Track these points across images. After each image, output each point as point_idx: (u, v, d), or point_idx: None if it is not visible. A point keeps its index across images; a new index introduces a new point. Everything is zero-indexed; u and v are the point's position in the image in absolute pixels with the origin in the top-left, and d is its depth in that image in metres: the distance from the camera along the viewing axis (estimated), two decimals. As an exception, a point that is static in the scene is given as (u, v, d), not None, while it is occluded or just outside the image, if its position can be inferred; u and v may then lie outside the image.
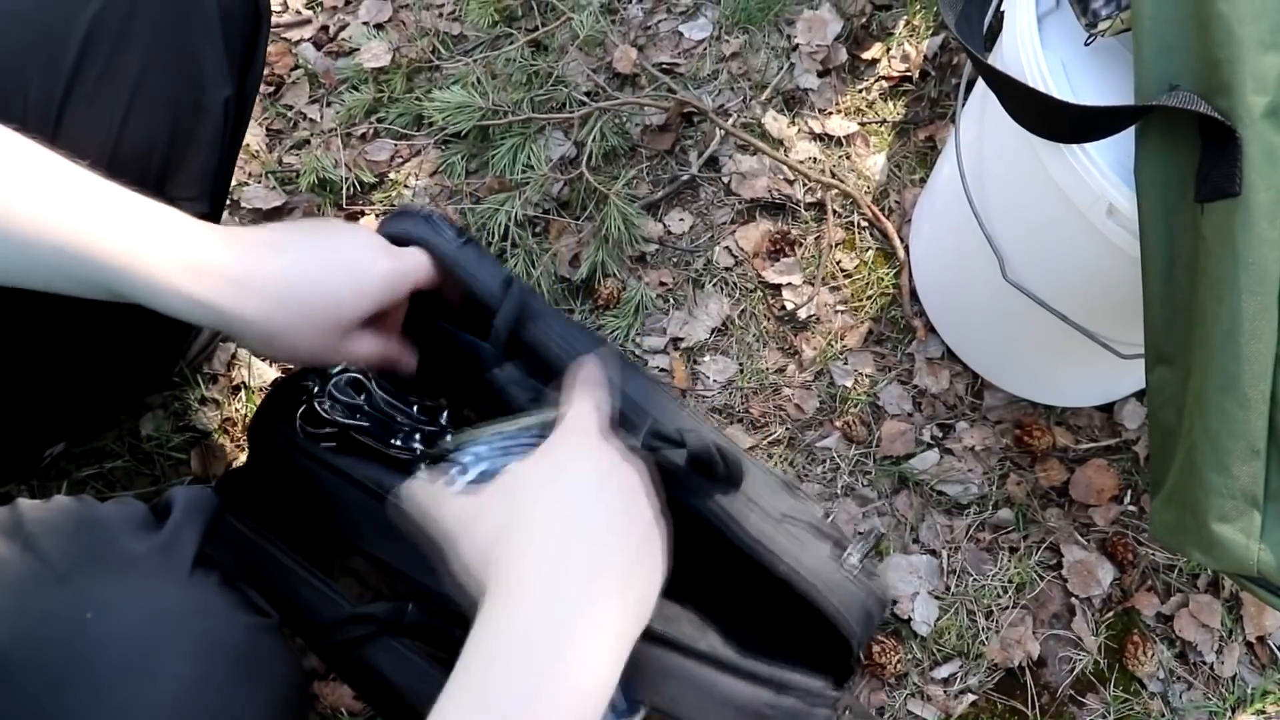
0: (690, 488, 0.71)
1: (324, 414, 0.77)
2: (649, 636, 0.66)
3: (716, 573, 0.74)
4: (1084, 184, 0.79)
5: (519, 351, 0.76)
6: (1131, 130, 0.75)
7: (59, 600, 0.59)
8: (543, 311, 0.76)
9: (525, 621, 0.55)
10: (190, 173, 0.77)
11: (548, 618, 0.55)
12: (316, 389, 0.79)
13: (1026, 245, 0.92)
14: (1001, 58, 0.85)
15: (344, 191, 1.22)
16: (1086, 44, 0.83)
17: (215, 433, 1.14)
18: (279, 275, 0.68)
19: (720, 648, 0.72)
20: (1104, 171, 0.78)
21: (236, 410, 1.15)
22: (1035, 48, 0.81)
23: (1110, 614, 1.05)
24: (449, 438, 0.76)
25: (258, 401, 1.15)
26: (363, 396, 0.77)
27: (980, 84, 0.95)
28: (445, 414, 0.83)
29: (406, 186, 1.24)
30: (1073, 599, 1.05)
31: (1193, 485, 0.74)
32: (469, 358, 0.80)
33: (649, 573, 0.61)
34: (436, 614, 0.74)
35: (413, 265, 0.75)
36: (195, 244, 0.65)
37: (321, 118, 1.28)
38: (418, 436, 0.79)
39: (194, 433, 1.14)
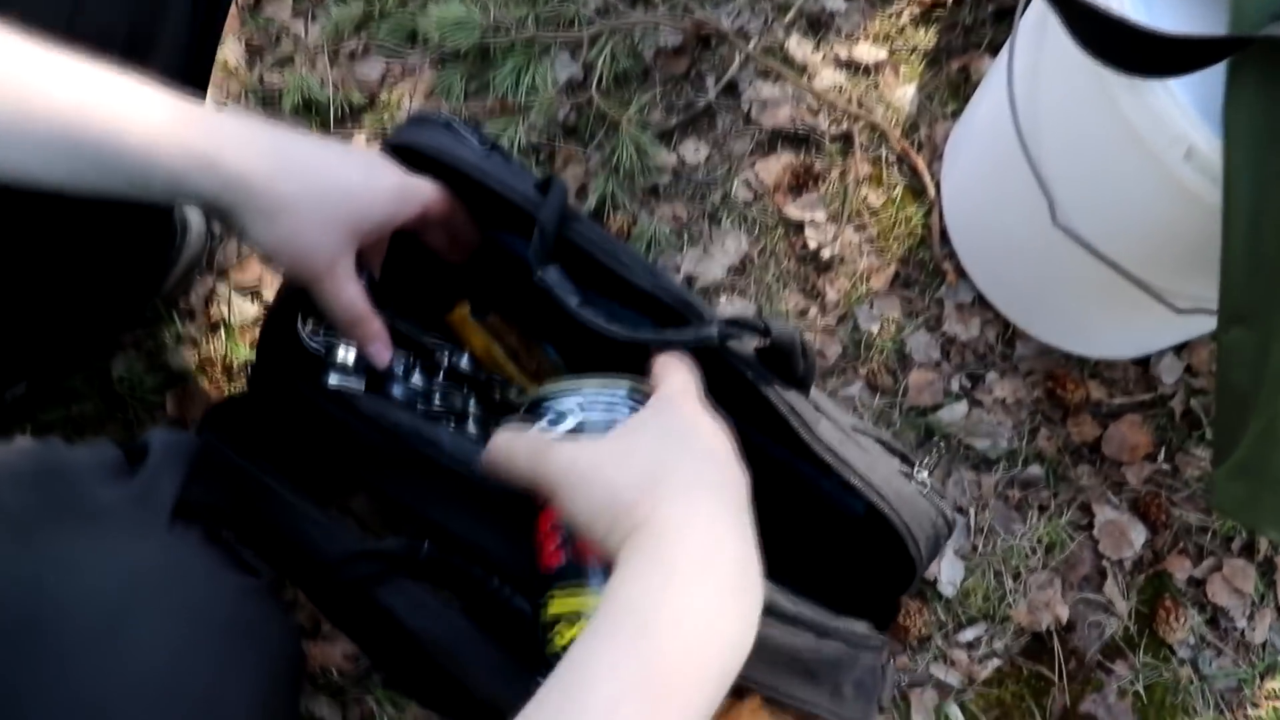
0: (756, 383, 0.65)
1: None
2: None
3: (764, 495, 0.70)
4: (1161, 123, 0.72)
5: (558, 255, 0.71)
6: (1221, 66, 0.68)
7: (17, 559, 0.53)
8: (581, 215, 0.71)
9: (689, 573, 0.49)
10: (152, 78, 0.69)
11: (708, 579, 0.49)
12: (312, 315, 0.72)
13: (1083, 188, 0.85)
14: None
15: (331, 113, 1.13)
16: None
17: (193, 374, 1.07)
18: (293, 144, 0.64)
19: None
20: (1185, 110, 0.71)
21: (216, 350, 1.07)
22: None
23: (1142, 577, 1.00)
24: (514, 391, 0.73)
25: (239, 341, 1.08)
26: None
27: (1037, 5, 0.87)
28: (449, 354, 0.78)
29: (399, 109, 1.15)
30: (1104, 561, 1.00)
31: (1274, 459, 0.69)
32: (506, 263, 0.75)
33: (753, 535, 0.55)
34: (453, 551, 0.67)
35: (420, 185, 0.70)
36: (204, 110, 0.61)
37: (306, 33, 1.18)
38: (417, 369, 0.74)
39: (170, 374, 1.07)
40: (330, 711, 0.96)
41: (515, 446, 0.58)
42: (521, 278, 0.70)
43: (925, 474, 0.68)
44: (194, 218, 1.09)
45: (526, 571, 0.63)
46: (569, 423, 0.61)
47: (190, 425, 1.05)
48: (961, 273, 1.07)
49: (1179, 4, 0.74)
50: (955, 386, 1.05)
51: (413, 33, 1.16)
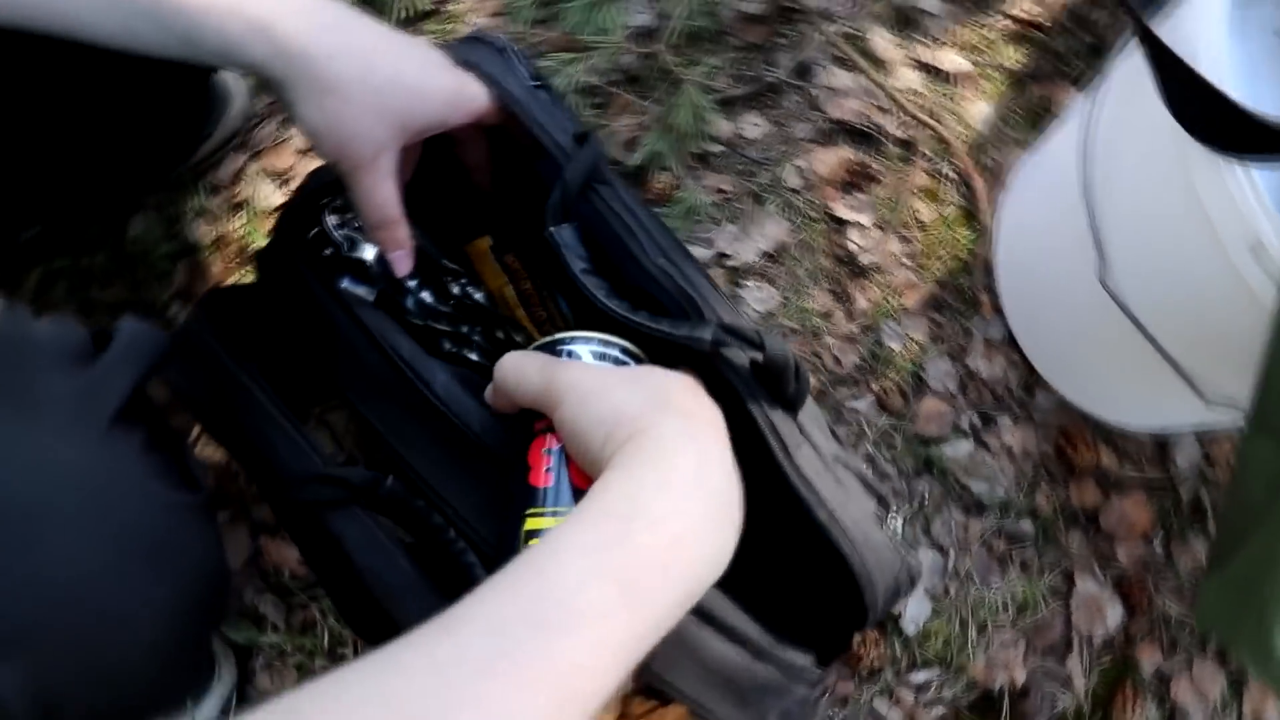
0: (743, 397, 0.62)
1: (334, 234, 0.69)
2: None
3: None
4: (1234, 208, 0.67)
5: (576, 214, 0.68)
6: (1311, 165, 0.64)
7: None
8: (613, 179, 0.68)
9: (681, 483, 0.49)
10: None
11: (697, 494, 0.49)
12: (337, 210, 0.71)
13: (1137, 253, 0.81)
14: (1172, 30, 0.72)
15: (392, 16, 1.10)
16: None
17: (207, 249, 1.05)
18: (356, 24, 0.62)
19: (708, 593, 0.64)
20: (1263, 201, 0.66)
21: (233, 229, 1.05)
22: (1221, 29, 0.68)
23: (1108, 658, 0.97)
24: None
25: (258, 226, 1.06)
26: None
27: (1131, 54, 0.83)
28: (464, 284, 0.75)
29: (464, 22, 1.11)
30: (1074, 633, 0.97)
31: (1266, 583, 0.65)
32: (528, 199, 0.72)
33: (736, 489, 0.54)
34: (416, 493, 0.65)
35: (476, 92, 0.67)
36: None
37: (386, -77, 1.15)
38: (426, 294, 0.72)
39: (184, 244, 1.05)
40: (275, 612, 0.96)
41: (527, 362, 0.57)
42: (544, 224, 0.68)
43: (899, 522, 0.66)
44: (238, 93, 1.07)
45: (486, 531, 0.61)
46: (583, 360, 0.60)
47: (194, 300, 1.04)
48: (998, 308, 1.03)
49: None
50: (965, 423, 1.01)
51: (494, -53, 1.12)
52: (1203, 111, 0.67)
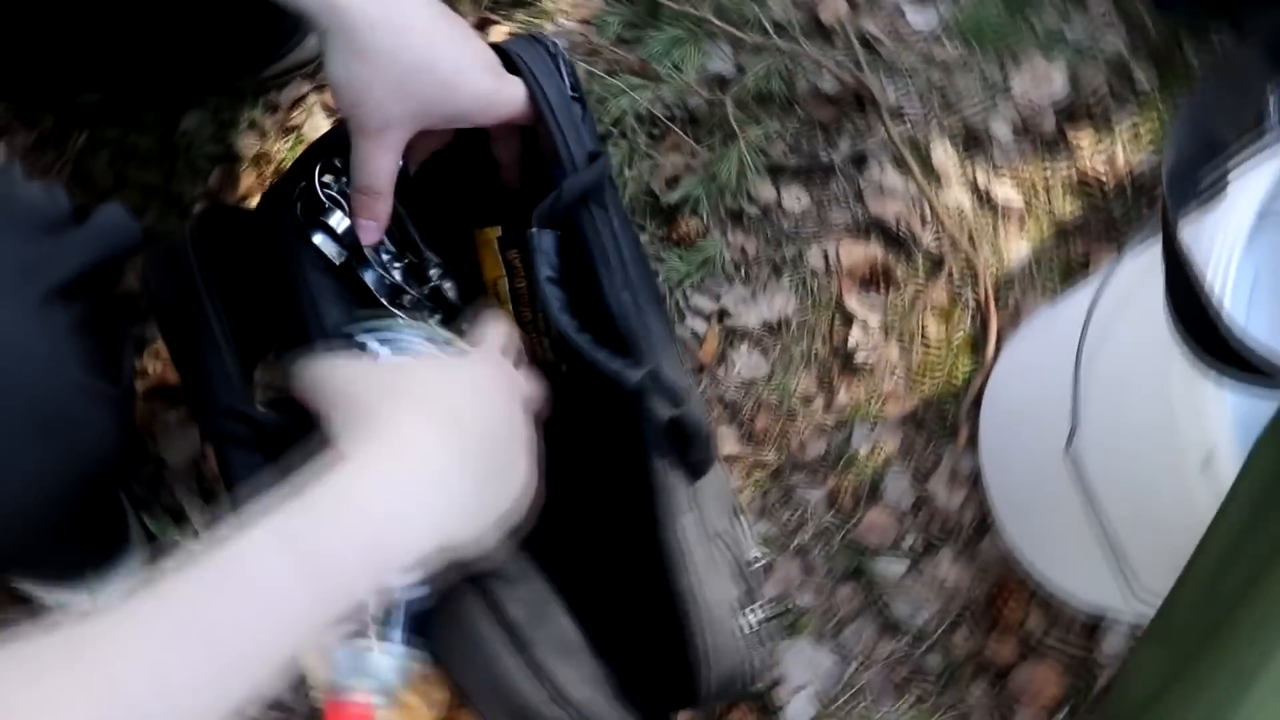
0: (649, 447, 0.64)
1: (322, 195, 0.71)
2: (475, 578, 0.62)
3: (608, 547, 0.69)
4: (1197, 418, 0.68)
5: (564, 226, 0.70)
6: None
7: None
8: (613, 205, 0.70)
9: (373, 475, 0.50)
10: None
11: (390, 479, 0.51)
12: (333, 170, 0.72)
13: (1104, 434, 0.81)
14: (1197, 230, 0.72)
15: (485, -2, 1.12)
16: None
17: (247, 161, 1.08)
18: (412, 2, 0.64)
19: (527, 624, 0.64)
20: (1226, 418, 0.66)
21: (276, 150, 1.08)
22: (1235, 243, 0.68)
23: (980, 813, 0.96)
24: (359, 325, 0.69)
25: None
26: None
27: (1153, 241, 0.83)
28: (440, 275, 0.76)
29: (552, 20, 1.13)
30: (951, 779, 0.97)
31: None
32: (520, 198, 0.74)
33: (497, 492, 0.56)
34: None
35: (511, 96, 0.69)
36: None
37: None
38: (396, 274, 0.73)
39: (227, 151, 1.08)
40: (198, 516, 0.98)
41: (314, 367, 0.59)
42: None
43: (757, 618, 0.66)
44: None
45: None
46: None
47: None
48: (974, 444, 1.03)
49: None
50: (907, 544, 1.01)
51: (602, -44, 1.14)
52: (1196, 322, 0.67)
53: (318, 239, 0.71)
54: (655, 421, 0.63)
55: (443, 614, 0.63)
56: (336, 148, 0.72)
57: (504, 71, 0.70)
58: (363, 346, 0.64)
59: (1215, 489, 0.66)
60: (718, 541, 0.66)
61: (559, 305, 0.66)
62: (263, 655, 0.43)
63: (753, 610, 0.66)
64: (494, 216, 0.82)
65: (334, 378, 0.57)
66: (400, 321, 0.66)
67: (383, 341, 0.64)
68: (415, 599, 0.61)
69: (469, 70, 0.67)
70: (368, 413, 0.53)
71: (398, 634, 0.60)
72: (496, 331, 0.66)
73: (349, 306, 0.70)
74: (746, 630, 0.65)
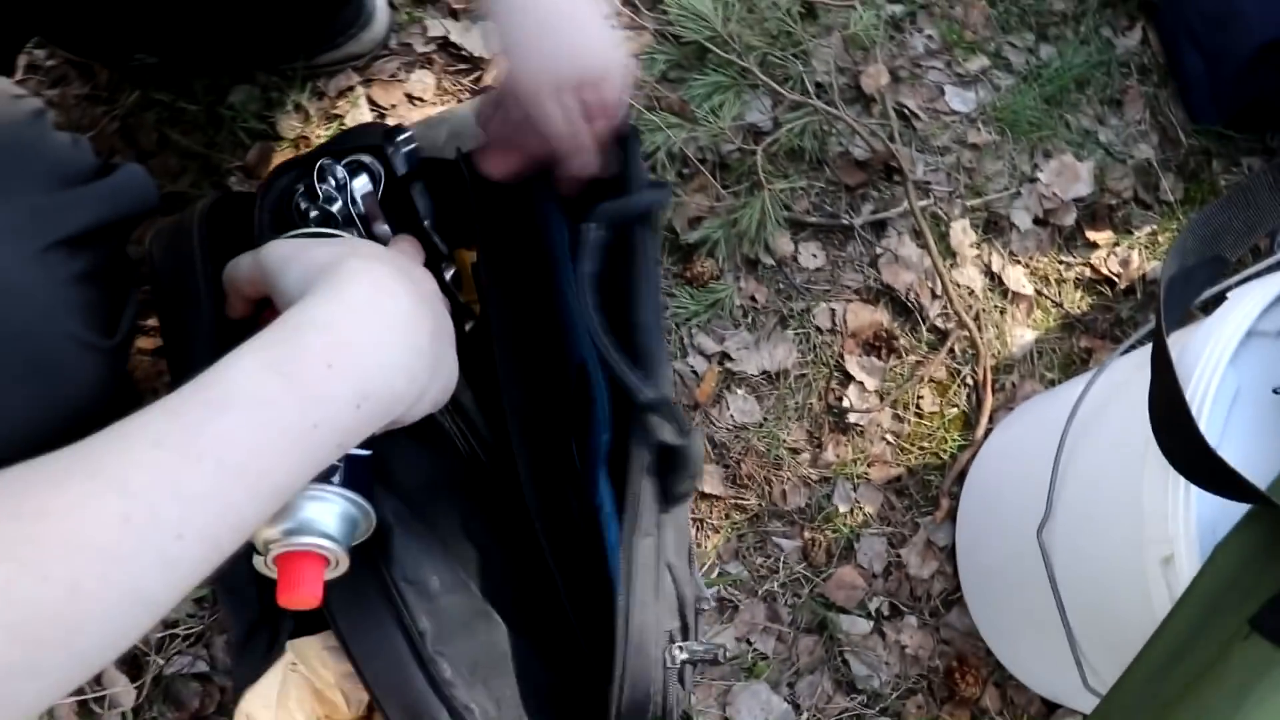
0: (634, 465, 0.65)
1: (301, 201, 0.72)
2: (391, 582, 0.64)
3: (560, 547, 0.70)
4: (1163, 517, 0.69)
5: (616, 233, 0.71)
6: (1242, 508, 0.65)
7: None
8: (658, 231, 0.72)
9: (346, 304, 0.54)
10: None
11: (366, 310, 0.54)
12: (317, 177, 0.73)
13: (1074, 521, 0.83)
14: (1188, 339, 0.74)
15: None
16: (1276, 391, 0.73)
17: (286, 142, 1.10)
18: None
19: (435, 637, 0.65)
20: (1189, 521, 0.68)
21: (317, 136, 1.11)
22: (1219, 359, 0.70)
23: None
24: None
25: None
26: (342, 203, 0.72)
27: (1144, 345, 0.85)
28: (447, 273, 0.77)
29: (603, 50, 1.16)
30: (884, 843, 0.97)
31: None
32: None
33: (442, 355, 0.60)
34: None
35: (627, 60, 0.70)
36: None
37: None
38: None
39: (270, 130, 1.10)
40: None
41: (239, 257, 0.63)
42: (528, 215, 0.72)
43: (684, 655, 0.66)
44: (380, 20, 1.13)
45: None
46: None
47: (252, 183, 1.09)
48: (953, 518, 1.04)
49: (1268, 427, 0.71)
50: (873, 606, 1.02)
51: (659, -2, 1.18)
52: (1173, 428, 0.68)
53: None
54: (649, 443, 0.64)
55: (353, 611, 0.64)
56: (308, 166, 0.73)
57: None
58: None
59: (1172, 589, 0.68)
60: (665, 572, 0.66)
61: (595, 303, 0.67)
62: (264, 468, 0.47)
63: (684, 647, 0.66)
64: (471, 238, 0.82)
65: (282, 248, 0.59)
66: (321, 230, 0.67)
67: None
68: (356, 456, 0.63)
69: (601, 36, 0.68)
70: (330, 264, 0.56)
71: (338, 485, 0.62)
72: (406, 249, 0.69)
73: None
74: (670, 663, 0.65)
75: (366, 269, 0.56)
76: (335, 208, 0.71)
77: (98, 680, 0.95)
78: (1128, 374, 0.87)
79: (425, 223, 0.75)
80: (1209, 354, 0.70)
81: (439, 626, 0.65)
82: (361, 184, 0.73)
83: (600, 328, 0.66)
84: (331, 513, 0.59)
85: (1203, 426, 0.65)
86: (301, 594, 0.57)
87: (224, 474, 0.45)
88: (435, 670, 0.63)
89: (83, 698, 0.93)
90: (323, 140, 1.11)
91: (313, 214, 0.71)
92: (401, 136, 0.74)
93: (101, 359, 0.59)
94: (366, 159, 0.74)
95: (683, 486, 0.65)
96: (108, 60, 1.13)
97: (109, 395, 0.61)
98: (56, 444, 0.59)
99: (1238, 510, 0.65)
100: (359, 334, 0.52)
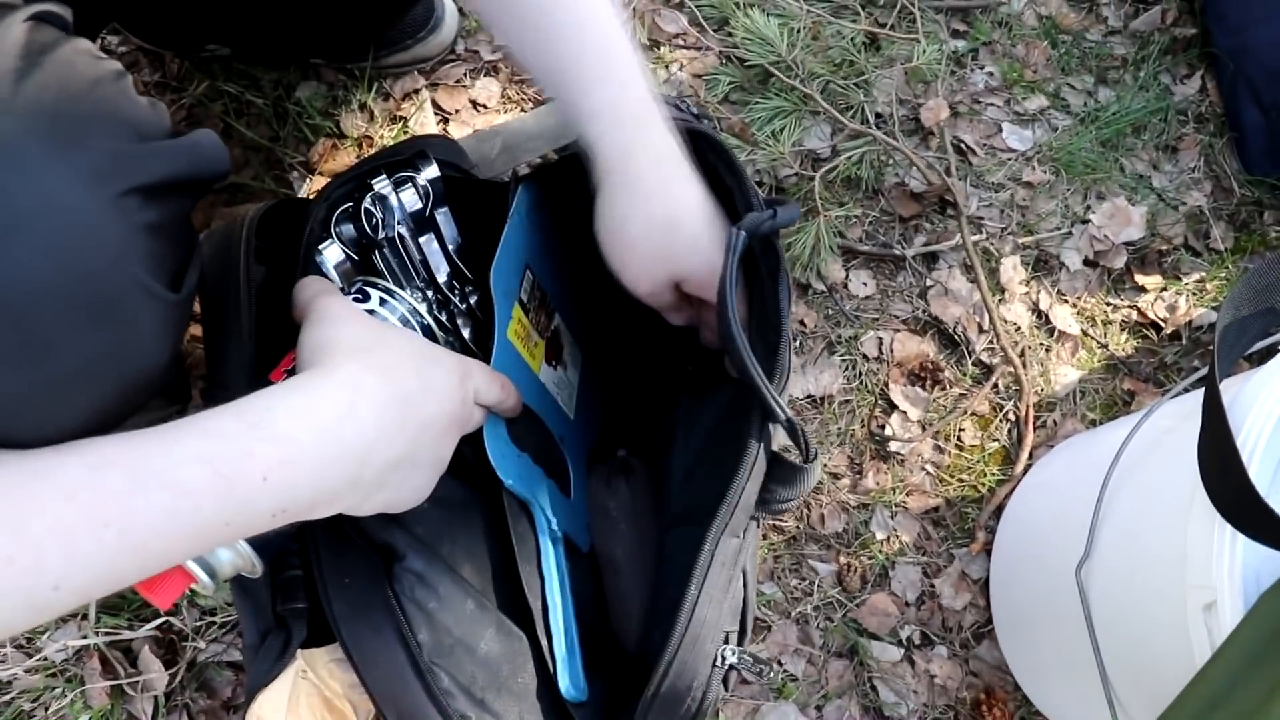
0: (745, 461, 0.66)
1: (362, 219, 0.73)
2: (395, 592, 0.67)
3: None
4: (1207, 563, 0.69)
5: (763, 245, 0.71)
6: (1290, 557, 0.66)
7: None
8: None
9: (308, 421, 0.55)
10: None
11: (323, 431, 0.55)
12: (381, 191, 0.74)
13: (1115, 561, 0.83)
14: (1238, 388, 0.75)
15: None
16: (1326, 444, 0.73)
17: (349, 140, 1.12)
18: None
19: (433, 649, 0.67)
20: (1233, 569, 0.68)
21: (380, 136, 1.12)
22: (1273, 409, 0.71)
23: None
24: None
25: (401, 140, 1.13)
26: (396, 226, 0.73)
27: (1194, 392, 0.85)
28: (472, 298, 0.77)
29: (667, 68, 1.18)
30: None
31: None
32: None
33: (401, 482, 0.60)
34: None
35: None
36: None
37: (649, -44, 1.22)
38: (428, 299, 0.74)
39: (334, 128, 1.12)
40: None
41: (307, 280, 0.65)
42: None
43: (733, 659, 0.67)
44: (449, 27, 1.15)
45: None
46: (363, 305, 0.67)
47: (311, 177, 1.11)
48: (988, 551, 1.05)
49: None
50: (904, 635, 1.03)
51: (724, 20, 1.19)
52: (1223, 474, 0.69)
53: (328, 250, 0.73)
54: (770, 447, 0.65)
55: (356, 621, 0.66)
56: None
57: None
58: (365, 296, 0.68)
59: (1214, 635, 0.68)
60: (740, 576, 0.68)
61: (732, 315, 0.66)
62: (162, 549, 0.49)
63: (737, 652, 0.67)
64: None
65: (331, 306, 0.61)
66: (407, 294, 0.68)
67: (380, 304, 0.68)
68: None
69: (702, 237, 0.68)
70: (335, 356, 0.57)
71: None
72: (481, 368, 0.68)
73: None
74: (720, 663, 0.66)
75: (356, 383, 0.57)
76: (382, 232, 0.73)
77: (132, 663, 0.96)
78: (1174, 421, 0.87)
79: (450, 247, 0.76)
80: (1262, 404, 0.71)
81: (437, 639, 0.67)
82: (410, 199, 0.74)
83: (744, 341, 0.66)
84: (227, 554, 0.61)
85: (1252, 475, 0.66)
86: (155, 596, 0.58)
87: (121, 546, 0.47)
88: (432, 680, 0.66)
89: (116, 681, 0.95)
90: (386, 141, 1.13)
91: (353, 235, 0.73)
92: (425, 167, 0.75)
93: (164, 311, 0.60)
94: (418, 174, 0.75)
95: (788, 498, 0.66)
96: (180, 49, 1.15)
97: (166, 355, 0.61)
98: (111, 391, 0.60)
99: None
100: (308, 456, 0.53)
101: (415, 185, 0.73)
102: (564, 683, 0.70)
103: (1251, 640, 0.65)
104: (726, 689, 0.69)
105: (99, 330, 0.57)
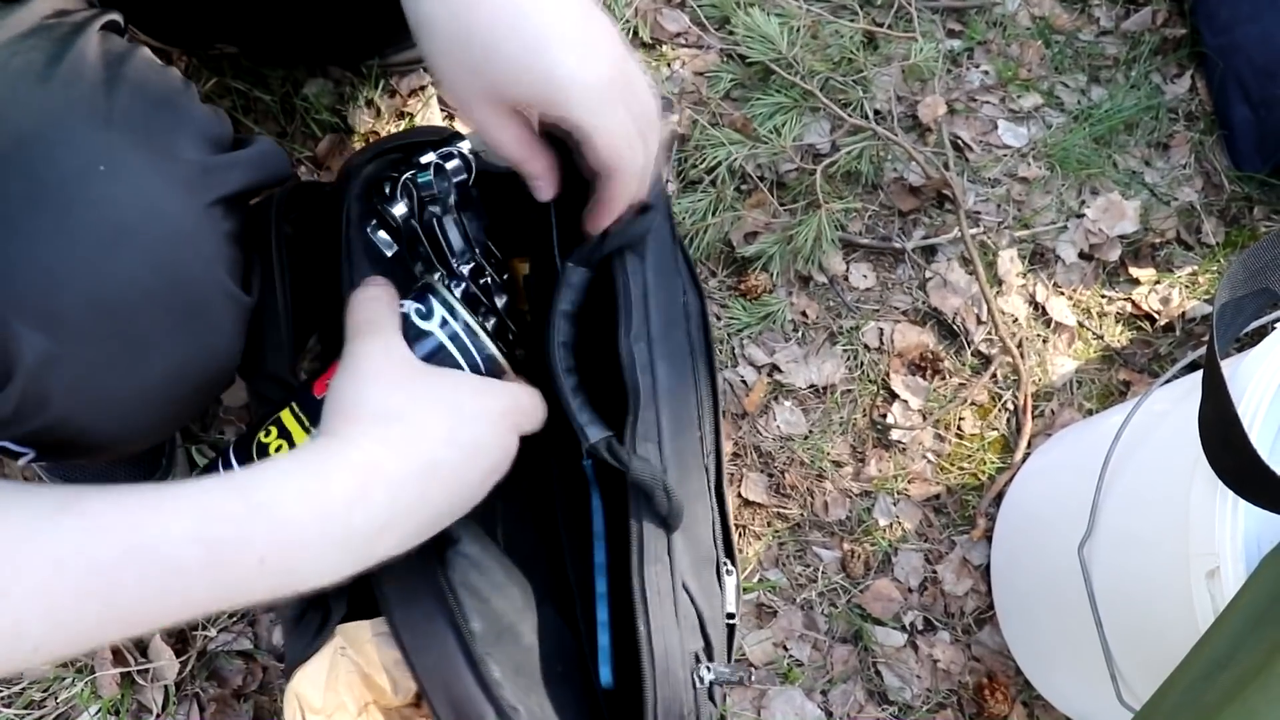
0: (632, 498, 0.66)
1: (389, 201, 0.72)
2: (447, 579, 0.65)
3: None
4: (1209, 529, 0.71)
5: (599, 269, 0.69)
6: (1293, 522, 0.67)
7: (88, 137, 0.57)
8: (654, 257, 0.69)
9: (313, 508, 0.53)
10: None
11: (327, 515, 0.53)
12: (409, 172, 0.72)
13: (1117, 535, 0.85)
14: (1237, 366, 0.76)
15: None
16: (1323, 417, 0.75)
17: (356, 136, 1.14)
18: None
19: (483, 638, 0.66)
20: (1235, 534, 0.70)
21: (387, 132, 1.14)
22: (1271, 381, 0.72)
23: None
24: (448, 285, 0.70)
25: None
26: (432, 210, 0.71)
27: (1189, 379, 0.87)
28: (502, 292, 0.75)
29: (669, 65, 1.20)
30: None
31: None
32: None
33: (419, 533, 0.58)
34: None
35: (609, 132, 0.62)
36: None
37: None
38: (459, 289, 0.72)
39: (341, 123, 1.14)
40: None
41: (360, 301, 0.64)
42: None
43: (712, 676, 0.67)
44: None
45: None
46: (421, 346, 0.65)
47: (319, 172, 1.13)
48: (988, 537, 1.07)
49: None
50: (907, 620, 1.04)
51: (725, 19, 1.21)
52: (1226, 444, 0.71)
53: (374, 231, 0.73)
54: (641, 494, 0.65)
55: (407, 606, 0.66)
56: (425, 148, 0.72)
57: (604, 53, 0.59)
58: (428, 313, 0.66)
59: (1217, 601, 0.70)
60: (682, 594, 0.66)
61: (560, 339, 0.67)
62: (142, 620, 0.47)
63: (711, 668, 0.67)
64: (526, 247, 0.81)
65: (371, 355, 0.60)
66: (468, 318, 0.66)
67: (440, 326, 0.66)
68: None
69: (544, 58, 0.56)
70: (354, 424, 0.56)
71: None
72: (529, 396, 0.65)
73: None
74: (699, 684, 0.67)
75: (372, 463, 0.55)
76: (428, 211, 0.71)
77: (143, 652, 0.97)
78: (1168, 404, 0.89)
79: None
80: (1260, 377, 0.73)
81: (489, 627, 0.66)
82: (455, 167, 0.74)
83: (560, 365, 0.66)
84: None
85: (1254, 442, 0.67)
86: None
87: (105, 617, 0.46)
88: (485, 670, 0.64)
89: (126, 669, 0.95)
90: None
91: (402, 215, 0.72)
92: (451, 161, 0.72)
93: (240, 315, 0.63)
94: (455, 149, 0.75)
95: (665, 508, 0.65)
96: (188, 47, 1.16)
97: (238, 356, 0.64)
98: (194, 391, 0.62)
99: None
100: (310, 541, 0.52)
101: (462, 157, 0.72)
102: (604, 673, 0.70)
103: (1253, 603, 0.66)
104: (715, 702, 0.69)
105: (190, 333, 0.60)
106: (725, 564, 0.74)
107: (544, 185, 0.65)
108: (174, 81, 0.65)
